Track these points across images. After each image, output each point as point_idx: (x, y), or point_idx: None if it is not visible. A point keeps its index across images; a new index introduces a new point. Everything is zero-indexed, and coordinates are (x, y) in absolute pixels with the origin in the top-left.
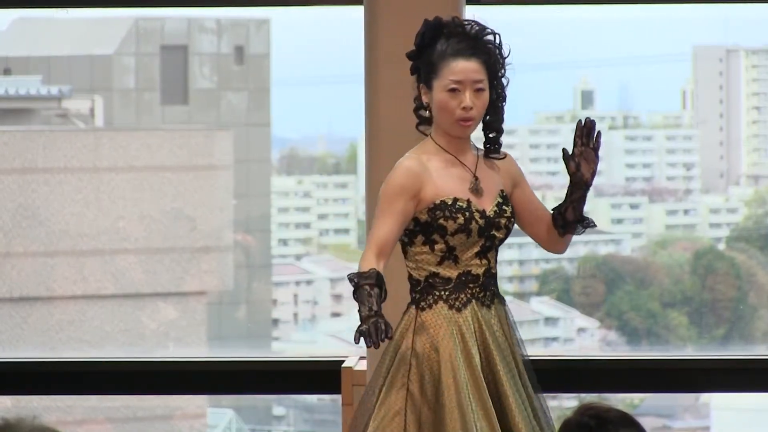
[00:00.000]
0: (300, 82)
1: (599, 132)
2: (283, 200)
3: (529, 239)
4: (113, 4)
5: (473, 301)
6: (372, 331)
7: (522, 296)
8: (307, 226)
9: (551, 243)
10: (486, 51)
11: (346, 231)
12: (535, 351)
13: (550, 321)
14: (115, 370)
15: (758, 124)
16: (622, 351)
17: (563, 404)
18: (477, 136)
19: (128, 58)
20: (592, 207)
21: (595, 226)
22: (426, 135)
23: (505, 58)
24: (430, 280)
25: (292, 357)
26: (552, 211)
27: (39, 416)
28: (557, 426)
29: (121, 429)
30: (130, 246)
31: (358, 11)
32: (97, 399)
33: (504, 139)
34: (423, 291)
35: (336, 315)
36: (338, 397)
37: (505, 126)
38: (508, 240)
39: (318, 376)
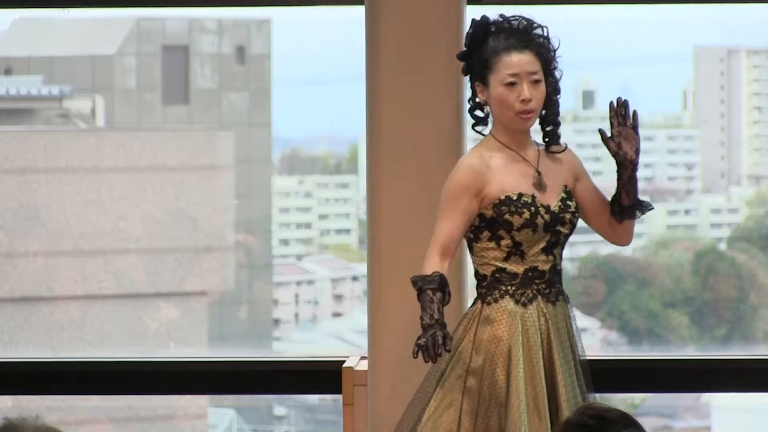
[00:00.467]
0: (301, 82)
1: (635, 111)
2: (285, 200)
3: None
4: (114, 5)
5: (539, 297)
6: (429, 345)
7: None
8: (308, 226)
9: (614, 234)
10: (537, 43)
11: (347, 231)
12: None
13: None
14: (117, 370)
15: (759, 125)
16: (623, 351)
17: None
18: (534, 129)
19: (129, 58)
20: None
21: (652, 208)
22: (483, 135)
23: (555, 50)
24: (497, 275)
25: (293, 357)
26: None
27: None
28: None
29: (122, 429)
30: (131, 246)
31: (359, 11)
32: (98, 399)
33: None
34: (489, 286)
35: (337, 315)
36: (339, 398)
37: None
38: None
39: (319, 377)
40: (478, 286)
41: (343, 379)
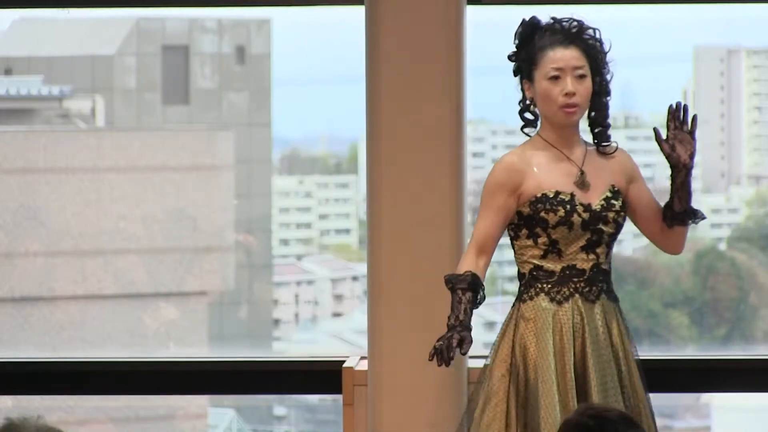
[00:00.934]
0: (301, 82)
1: (695, 115)
2: (284, 200)
3: None
4: (114, 5)
5: (576, 295)
6: (444, 348)
7: None
8: (308, 226)
9: (666, 241)
10: (584, 41)
11: (347, 231)
12: None
13: None
14: (117, 370)
15: (759, 125)
16: None
17: None
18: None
19: (129, 58)
20: None
21: (704, 218)
22: (530, 137)
23: (606, 52)
24: (534, 273)
25: (293, 357)
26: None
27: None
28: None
29: (122, 429)
30: (131, 246)
31: (359, 11)
32: (98, 399)
33: (504, 139)
34: (527, 284)
35: (337, 315)
36: (339, 398)
37: (505, 126)
38: (509, 241)
39: (319, 377)
40: (519, 285)
41: (343, 379)
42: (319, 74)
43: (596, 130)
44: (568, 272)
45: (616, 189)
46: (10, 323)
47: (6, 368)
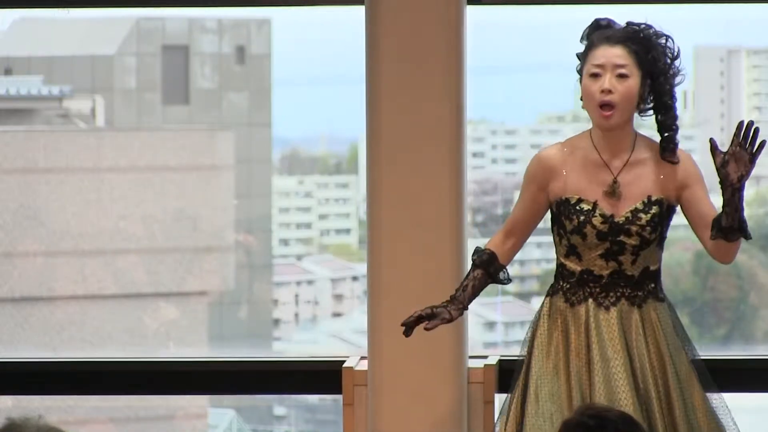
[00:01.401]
0: (301, 82)
1: (763, 141)
2: (284, 200)
3: (528, 239)
4: (114, 5)
5: (590, 299)
6: (411, 318)
7: (523, 296)
8: (308, 226)
9: (715, 250)
10: (639, 42)
11: (347, 231)
12: None
13: None
14: (117, 370)
15: (759, 125)
16: None
17: None
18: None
19: (129, 58)
20: None
21: (748, 238)
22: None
23: (674, 57)
24: (560, 270)
25: (293, 357)
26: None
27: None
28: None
29: (122, 429)
30: (131, 246)
31: (359, 11)
32: (98, 399)
33: (504, 139)
34: (555, 277)
35: (337, 315)
36: (339, 398)
37: (505, 126)
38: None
39: (319, 376)
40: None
41: (343, 379)
42: (319, 74)
43: (665, 135)
44: (585, 276)
45: (653, 200)
46: (10, 323)
47: (6, 368)
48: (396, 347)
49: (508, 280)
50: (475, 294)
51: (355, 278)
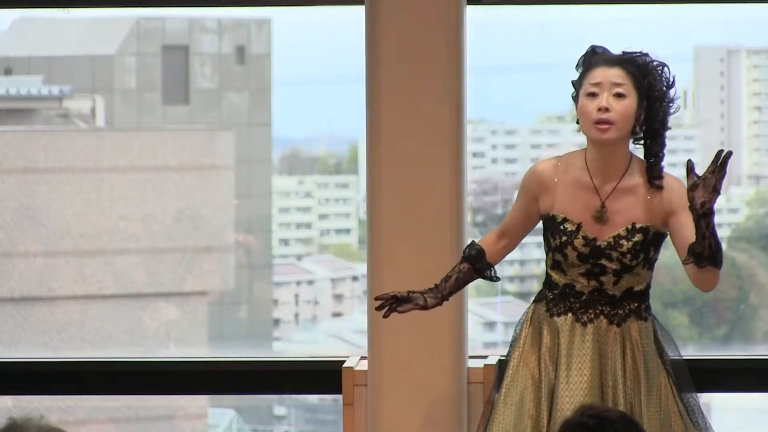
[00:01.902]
0: (301, 82)
1: (723, 171)
2: (284, 200)
3: (528, 239)
4: (114, 5)
5: (569, 313)
6: (386, 296)
7: (523, 296)
8: (308, 226)
9: (691, 276)
10: (638, 66)
11: (347, 231)
12: None
13: None
14: (117, 370)
15: (759, 125)
16: None
17: None
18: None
19: (129, 58)
20: None
21: (717, 267)
22: None
23: (669, 86)
24: (547, 279)
25: (293, 357)
26: None
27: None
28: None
29: (122, 429)
30: (131, 246)
31: (359, 11)
32: (98, 399)
33: (504, 139)
34: (543, 284)
35: (337, 315)
36: (339, 397)
37: (506, 126)
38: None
39: (319, 376)
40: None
41: (343, 379)
42: (319, 74)
43: (650, 161)
44: (567, 290)
45: (637, 227)
46: (10, 323)
47: (6, 368)
48: (396, 347)
49: (496, 278)
50: (458, 286)
51: (355, 278)
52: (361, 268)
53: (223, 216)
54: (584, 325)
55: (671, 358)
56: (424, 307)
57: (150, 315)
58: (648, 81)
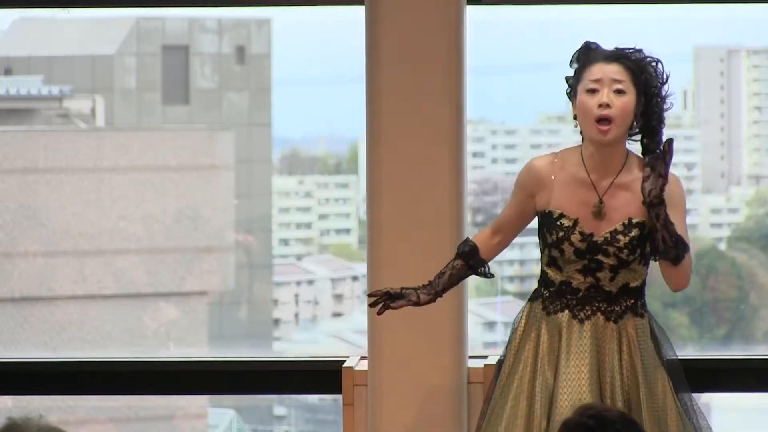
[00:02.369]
0: (301, 82)
1: (670, 156)
2: (284, 200)
3: (528, 239)
4: (114, 5)
5: (566, 310)
6: (379, 292)
7: (523, 296)
8: (308, 226)
9: (662, 273)
10: (631, 61)
11: (347, 231)
12: None
13: None
14: (117, 370)
15: (759, 124)
16: None
17: None
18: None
19: (129, 58)
20: None
21: (674, 259)
22: None
23: (663, 82)
24: (542, 277)
25: (293, 357)
26: None
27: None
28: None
29: (122, 429)
30: (131, 246)
31: (359, 11)
32: (98, 399)
33: (504, 139)
34: (538, 282)
35: (337, 315)
36: (339, 397)
37: (506, 126)
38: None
39: (319, 376)
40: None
41: (343, 379)
42: (319, 74)
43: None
44: (563, 287)
45: (633, 222)
46: (10, 323)
47: (6, 368)
48: (396, 347)
49: (490, 275)
50: (451, 283)
51: (355, 278)
52: (361, 268)
53: (223, 216)
54: (581, 322)
55: (668, 358)
56: (417, 303)
57: (150, 315)
58: (645, 77)
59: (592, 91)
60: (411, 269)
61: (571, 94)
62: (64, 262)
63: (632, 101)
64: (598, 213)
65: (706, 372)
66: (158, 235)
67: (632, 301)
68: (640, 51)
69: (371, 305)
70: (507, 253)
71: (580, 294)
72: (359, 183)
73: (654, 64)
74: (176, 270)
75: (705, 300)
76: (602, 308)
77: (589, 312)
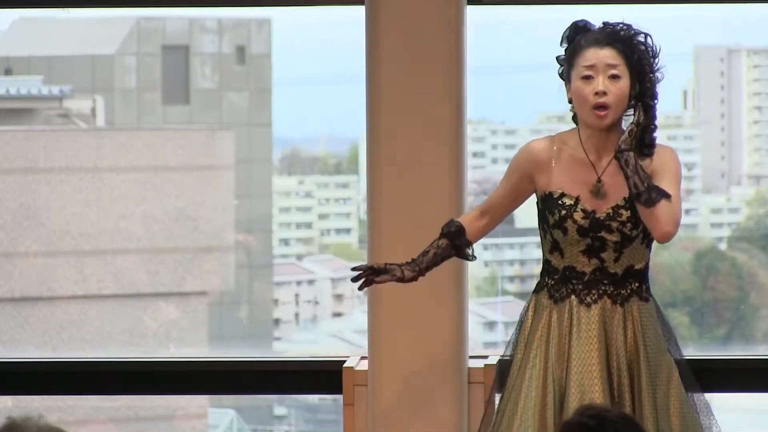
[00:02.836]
0: (301, 82)
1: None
2: (285, 200)
3: (529, 239)
4: (114, 4)
5: (572, 296)
6: (363, 266)
7: (523, 296)
8: (308, 226)
9: (648, 225)
10: (623, 42)
11: (347, 231)
12: None
13: None
14: (117, 370)
15: (760, 124)
16: None
17: None
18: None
19: (129, 58)
20: None
21: (649, 201)
22: None
23: (655, 56)
24: (545, 266)
25: (293, 357)
26: None
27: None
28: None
29: (122, 429)
30: (131, 246)
31: (359, 11)
32: (98, 399)
33: (504, 139)
34: (541, 274)
35: (337, 315)
36: (339, 398)
37: (506, 126)
38: (510, 240)
39: (319, 376)
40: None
41: (343, 379)
42: (319, 74)
43: (642, 135)
44: (567, 273)
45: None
46: (10, 323)
47: (6, 368)
48: (396, 347)
49: (473, 257)
50: (435, 262)
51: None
52: None
53: (223, 216)
54: (588, 306)
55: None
56: (402, 279)
57: (150, 315)
58: (637, 56)
59: (587, 78)
60: None
61: (564, 76)
62: (64, 262)
63: (627, 85)
64: (597, 192)
65: (706, 372)
66: (158, 235)
67: (637, 284)
68: (629, 27)
69: (353, 280)
70: (507, 253)
71: (586, 278)
72: (359, 183)
73: (644, 38)
74: (176, 270)
75: (705, 300)
76: (609, 291)
77: (596, 296)
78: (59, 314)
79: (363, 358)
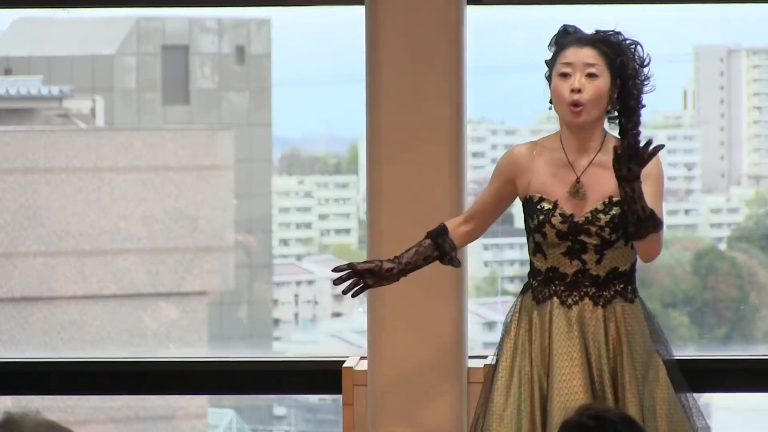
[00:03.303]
0: (301, 82)
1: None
2: (284, 200)
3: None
4: (114, 4)
5: (554, 298)
6: (344, 264)
7: None
8: (308, 226)
9: (635, 247)
10: (610, 45)
11: (347, 231)
12: None
13: None
14: (117, 370)
15: (759, 124)
16: None
17: None
18: None
19: (129, 58)
20: None
21: (638, 236)
22: None
23: (642, 64)
24: (531, 267)
25: (293, 357)
26: None
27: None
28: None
29: (122, 429)
30: (131, 246)
31: (359, 11)
32: (98, 399)
33: (504, 139)
34: (528, 275)
35: (337, 315)
36: (339, 398)
37: (506, 126)
38: (509, 240)
39: (319, 376)
40: None
41: (343, 379)
42: (319, 74)
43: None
44: (551, 274)
45: (614, 201)
46: (10, 323)
47: (6, 368)
48: (396, 347)
49: (458, 262)
50: (416, 259)
51: None
52: None
53: (223, 216)
54: (569, 307)
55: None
56: (380, 269)
57: (150, 315)
58: (621, 60)
59: (564, 75)
60: None
61: (547, 77)
62: (64, 262)
63: (605, 85)
64: (576, 192)
65: (706, 372)
66: (158, 235)
67: (621, 285)
68: (618, 34)
69: (336, 282)
70: (507, 253)
71: (568, 279)
72: (359, 183)
73: (632, 47)
74: (176, 270)
75: (705, 300)
76: (590, 293)
77: (577, 297)
78: (59, 314)
79: (362, 358)
